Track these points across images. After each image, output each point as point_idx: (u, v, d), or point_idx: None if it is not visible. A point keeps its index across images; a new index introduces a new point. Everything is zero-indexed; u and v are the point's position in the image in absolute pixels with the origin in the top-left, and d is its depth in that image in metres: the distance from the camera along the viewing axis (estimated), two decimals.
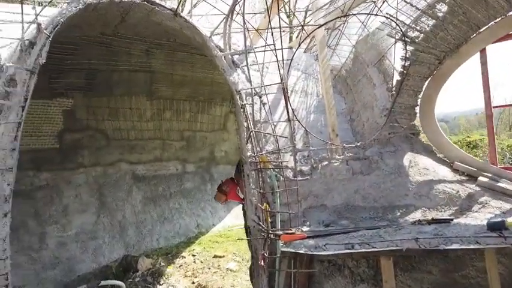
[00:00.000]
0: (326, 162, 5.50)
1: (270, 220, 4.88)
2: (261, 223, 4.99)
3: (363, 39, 6.91)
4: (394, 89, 5.77)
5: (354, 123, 6.54)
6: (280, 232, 4.69)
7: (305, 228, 5.01)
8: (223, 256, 11.80)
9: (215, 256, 11.84)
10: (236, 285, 9.60)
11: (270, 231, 4.76)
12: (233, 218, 16.01)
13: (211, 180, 16.52)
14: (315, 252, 4.16)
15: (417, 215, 5.01)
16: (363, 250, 4.06)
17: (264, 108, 5.37)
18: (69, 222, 11.78)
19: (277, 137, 5.30)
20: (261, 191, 4.98)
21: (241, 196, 7.50)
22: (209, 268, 10.95)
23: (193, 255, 12.12)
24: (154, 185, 14.73)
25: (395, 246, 4.03)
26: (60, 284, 10.51)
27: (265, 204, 4.90)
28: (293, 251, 4.33)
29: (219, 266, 11.03)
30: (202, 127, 15.49)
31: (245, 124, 4.99)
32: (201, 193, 15.94)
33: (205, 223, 15.25)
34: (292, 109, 5.04)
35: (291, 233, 4.62)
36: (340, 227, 4.97)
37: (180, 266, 11.37)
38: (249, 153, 5.16)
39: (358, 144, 5.52)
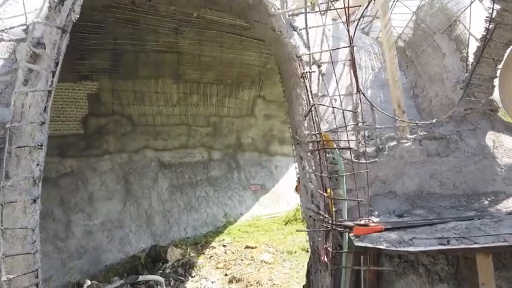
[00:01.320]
0: (394, 143, 4.74)
1: (334, 209, 4.17)
2: (321, 212, 4.29)
3: (427, 3, 6.06)
4: (473, 57, 4.93)
5: (419, 99, 5.74)
6: (351, 223, 3.96)
7: (375, 219, 4.29)
8: (256, 247, 11.19)
9: (247, 247, 11.23)
10: (274, 278, 8.95)
11: (336, 222, 4.05)
12: (261, 207, 15.39)
13: (237, 168, 15.91)
14: (400, 248, 3.43)
15: (510, 204, 4.23)
16: (463, 246, 3.31)
17: (323, 80, 4.62)
18: (95, 210, 11.35)
19: (337, 114, 4.58)
20: (322, 174, 4.24)
21: None
22: (242, 260, 10.35)
23: (224, 246, 11.55)
24: (180, 172, 14.21)
25: (503, 241, 3.27)
26: (86, 274, 10.11)
27: (329, 190, 4.18)
28: (371, 246, 3.60)
29: (252, 257, 10.43)
30: (229, 112, 14.82)
31: (304, 97, 4.26)
32: (228, 181, 15.36)
33: (232, 212, 14.69)
34: (357, 81, 4.28)
35: (363, 225, 3.90)
36: (418, 218, 4.23)
37: (210, 257, 10.81)
38: (306, 132, 4.46)
39: (434, 121, 4.72)
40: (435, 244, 3.43)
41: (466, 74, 5.07)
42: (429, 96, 5.54)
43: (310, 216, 4.77)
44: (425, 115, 5.52)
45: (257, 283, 8.63)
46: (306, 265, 9.18)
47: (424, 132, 4.73)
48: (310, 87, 4.08)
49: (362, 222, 4.03)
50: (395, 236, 3.61)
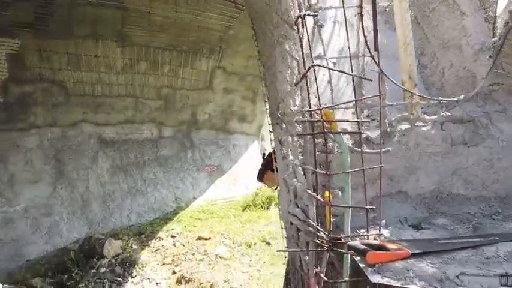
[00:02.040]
0: (407, 126, 3.52)
1: (332, 219, 2.92)
2: (311, 221, 3.03)
3: None
4: (508, 16, 3.79)
5: (427, 70, 4.59)
6: (359, 244, 2.69)
7: (385, 232, 3.10)
8: (209, 238, 9.84)
9: (199, 238, 9.86)
10: (231, 279, 7.70)
11: (334, 240, 2.79)
12: (217, 191, 14.02)
13: (191, 147, 14.36)
14: None
15: None
16: None
17: (319, 34, 3.26)
18: (17, 195, 9.41)
19: (331, 84, 3.28)
20: (318, 170, 2.95)
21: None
22: (193, 254, 8.98)
23: (173, 237, 10.09)
24: (125, 151, 12.43)
25: None
26: (3, 272, 8.33)
27: (326, 193, 2.88)
28: (399, 285, 2.36)
29: (205, 251, 9.09)
30: (184, 84, 13.10)
31: (296, 55, 2.89)
32: (180, 162, 13.81)
33: (184, 196, 13.23)
34: (376, 36, 2.99)
35: (380, 247, 2.64)
36: (443, 231, 3.08)
37: (156, 251, 9.31)
38: (295, 108, 3.13)
39: (462, 97, 3.55)
40: (496, 285, 2.26)
41: (494, 39, 3.93)
42: (441, 67, 4.40)
43: (292, 224, 3.49)
44: (435, 91, 4.39)
45: (211, 285, 7.34)
46: (268, 263, 8.10)
47: (448, 113, 3.53)
48: (308, 40, 2.70)
49: (374, 241, 2.78)
50: (431, 268, 2.40)
